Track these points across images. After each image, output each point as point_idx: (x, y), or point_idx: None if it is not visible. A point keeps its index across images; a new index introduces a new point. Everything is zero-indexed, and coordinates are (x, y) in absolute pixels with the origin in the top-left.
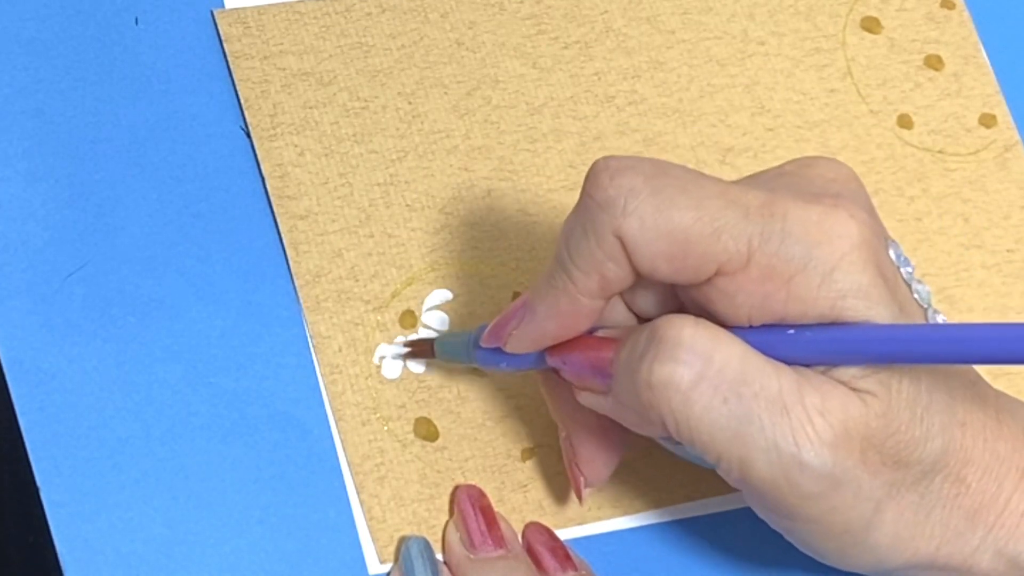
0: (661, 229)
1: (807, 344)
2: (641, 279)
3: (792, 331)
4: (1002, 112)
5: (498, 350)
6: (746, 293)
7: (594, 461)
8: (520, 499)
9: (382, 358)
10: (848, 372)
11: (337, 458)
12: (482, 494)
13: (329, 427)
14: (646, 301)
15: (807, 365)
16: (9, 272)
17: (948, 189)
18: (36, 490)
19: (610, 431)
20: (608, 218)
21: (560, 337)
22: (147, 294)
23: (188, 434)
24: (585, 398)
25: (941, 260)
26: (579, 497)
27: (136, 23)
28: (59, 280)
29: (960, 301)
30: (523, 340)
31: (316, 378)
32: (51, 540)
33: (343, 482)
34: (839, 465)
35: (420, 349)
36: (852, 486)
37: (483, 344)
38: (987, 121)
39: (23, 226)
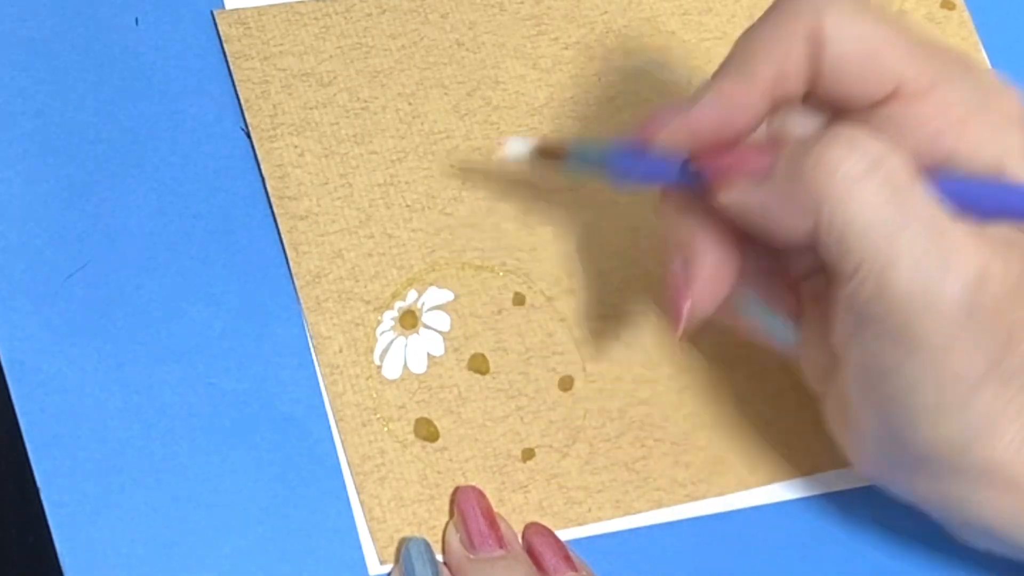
0: (857, 28)
1: (970, 190)
2: (810, 99)
3: (957, 178)
4: None
5: (639, 154)
6: (918, 124)
7: (706, 287)
8: (520, 500)
9: (508, 149)
10: (1000, 231)
11: (337, 459)
12: (482, 495)
13: (329, 428)
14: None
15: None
16: (9, 273)
17: None
18: (37, 491)
19: (726, 260)
20: (811, 2)
21: (716, 133)
22: (147, 295)
23: (188, 435)
24: (730, 194)
25: None
26: (677, 326)
27: (136, 23)
28: (59, 281)
29: None
30: (678, 131)
31: (316, 379)
32: (51, 541)
33: (343, 483)
34: (976, 303)
35: (552, 150)
36: (976, 332)
37: (636, 136)
38: None
39: (23, 227)
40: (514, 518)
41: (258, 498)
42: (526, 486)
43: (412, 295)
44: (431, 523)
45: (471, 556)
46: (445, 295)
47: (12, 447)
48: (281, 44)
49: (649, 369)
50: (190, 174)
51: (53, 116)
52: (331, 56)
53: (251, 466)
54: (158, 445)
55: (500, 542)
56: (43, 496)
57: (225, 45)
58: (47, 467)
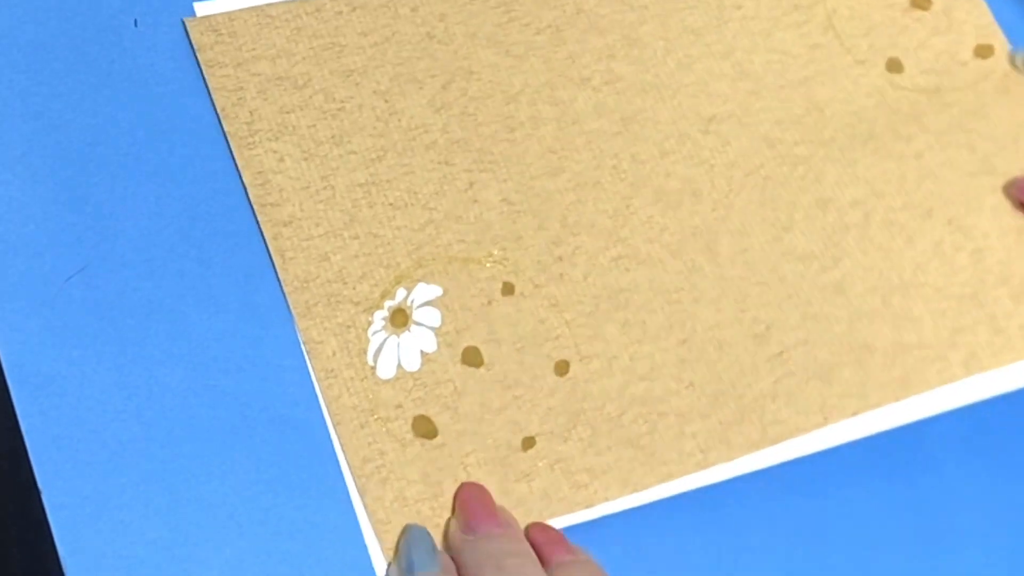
0: None
1: None
2: None
3: None
4: (999, 41)
5: None
6: None
7: None
8: (524, 489)
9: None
10: None
11: (338, 461)
12: (482, 487)
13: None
14: None
15: None
16: (9, 275)
17: (948, 123)
18: (37, 491)
19: None
20: None
21: None
22: (146, 297)
23: (188, 436)
24: None
25: (948, 192)
26: None
27: (135, 25)
28: (59, 283)
29: (974, 228)
30: None
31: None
32: (52, 542)
33: (345, 485)
34: None
35: None
36: None
37: None
38: (983, 52)
39: (22, 229)
40: (519, 509)
41: (259, 500)
42: (529, 475)
43: (401, 293)
44: (435, 521)
45: (471, 538)
46: (434, 290)
47: (13, 448)
48: (254, 49)
49: (646, 345)
50: (189, 177)
51: (52, 118)
52: (304, 58)
53: (251, 468)
54: (158, 447)
55: (498, 523)
56: (44, 497)
57: (198, 54)
58: (48, 468)
